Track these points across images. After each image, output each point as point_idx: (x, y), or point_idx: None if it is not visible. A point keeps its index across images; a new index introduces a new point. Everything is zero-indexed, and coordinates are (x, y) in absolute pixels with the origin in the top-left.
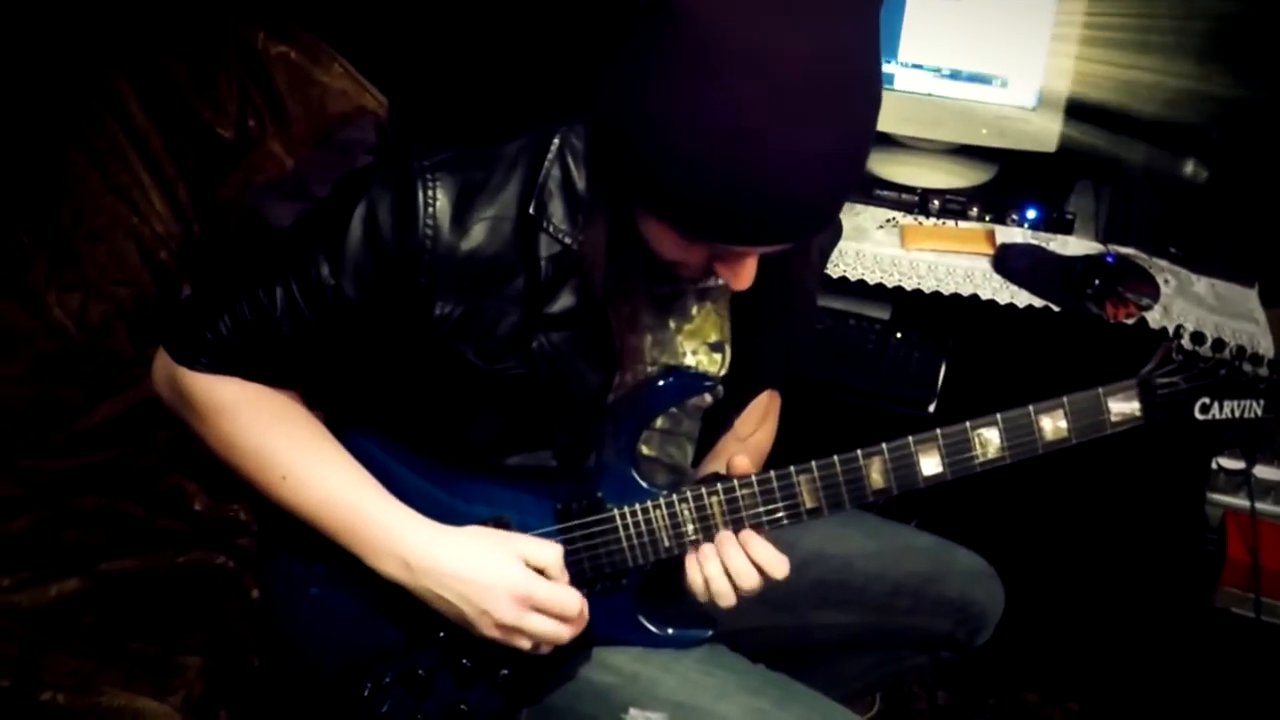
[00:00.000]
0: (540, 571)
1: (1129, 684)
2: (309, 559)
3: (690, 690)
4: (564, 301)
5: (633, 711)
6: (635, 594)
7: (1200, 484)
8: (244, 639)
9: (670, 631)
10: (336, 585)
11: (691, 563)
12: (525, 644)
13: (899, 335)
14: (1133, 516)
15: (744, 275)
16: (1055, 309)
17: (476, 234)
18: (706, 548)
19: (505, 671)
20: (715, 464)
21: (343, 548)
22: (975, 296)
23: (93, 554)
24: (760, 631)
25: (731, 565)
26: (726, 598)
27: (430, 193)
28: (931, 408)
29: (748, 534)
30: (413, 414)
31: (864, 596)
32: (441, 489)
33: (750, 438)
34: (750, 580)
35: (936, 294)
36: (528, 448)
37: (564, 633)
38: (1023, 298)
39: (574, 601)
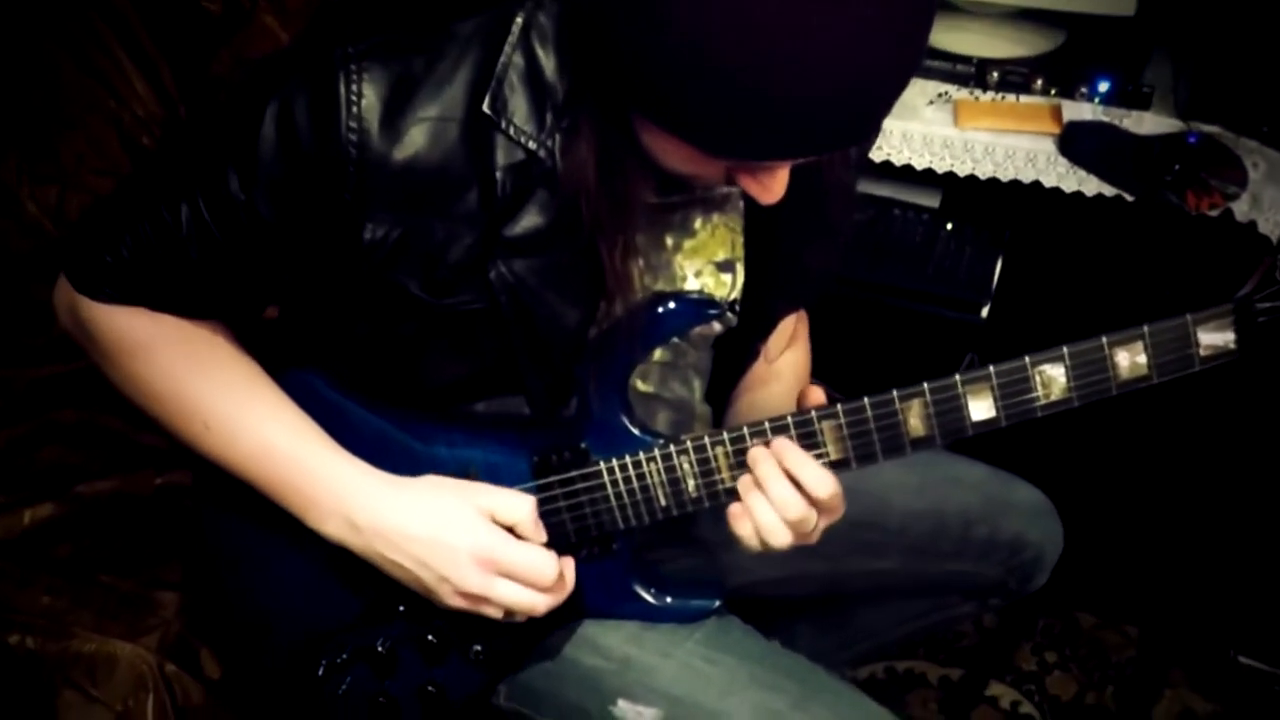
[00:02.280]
0: (511, 529)
1: (1192, 610)
2: (248, 518)
3: (691, 681)
4: (528, 221)
5: (622, 704)
6: (629, 559)
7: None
8: None
9: (670, 601)
10: (281, 549)
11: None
12: (494, 613)
13: (949, 227)
14: (1202, 432)
15: (775, 188)
16: (1128, 198)
17: (414, 138)
18: (744, 480)
19: (479, 648)
20: (754, 397)
21: (281, 506)
22: (1037, 184)
23: (69, 475)
24: (784, 582)
25: (774, 495)
26: (779, 534)
27: (354, 88)
28: (984, 312)
29: (782, 445)
30: (355, 353)
31: (903, 539)
32: (396, 427)
33: (786, 366)
34: (797, 508)
35: (993, 180)
36: (494, 393)
37: (539, 602)
38: (1091, 185)
39: (548, 566)
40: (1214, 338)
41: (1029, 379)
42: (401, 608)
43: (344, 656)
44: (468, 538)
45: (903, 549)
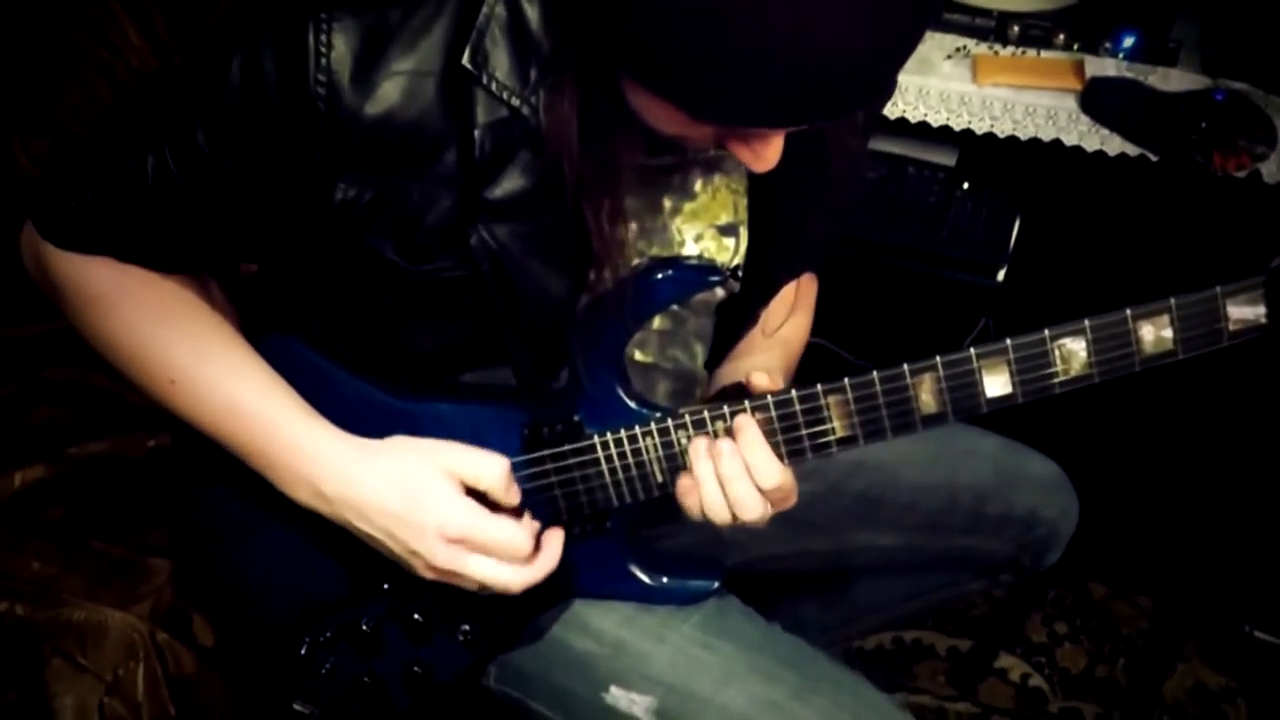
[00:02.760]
0: (483, 495)
1: (1206, 582)
2: (230, 486)
3: (687, 670)
4: (510, 184)
5: (615, 691)
6: (624, 537)
7: None
8: None
9: (667, 581)
10: (264, 519)
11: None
12: (471, 587)
13: (966, 187)
14: (1217, 401)
15: (768, 155)
16: (1151, 158)
17: (388, 93)
18: (697, 445)
19: (467, 627)
20: (741, 365)
21: (255, 471)
22: (1058, 142)
23: (61, 435)
24: (787, 558)
25: (724, 471)
26: (719, 512)
27: (324, 38)
28: (1001, 275)
29: (742, 425)
30: (335, 319)
31: (912, 515)
32: (381, 389)
33: (778, 333)
34: (743, 494)
35: (1012, 139)
36: (480, 363)
37: (513, 578)
38: (1114, 144)
39: (520, 541)
40: (1244, 311)
41: (1048, 354)
42: (386, 585)
43: (328, 634)
44: (434, 513)
45: (912, 524)
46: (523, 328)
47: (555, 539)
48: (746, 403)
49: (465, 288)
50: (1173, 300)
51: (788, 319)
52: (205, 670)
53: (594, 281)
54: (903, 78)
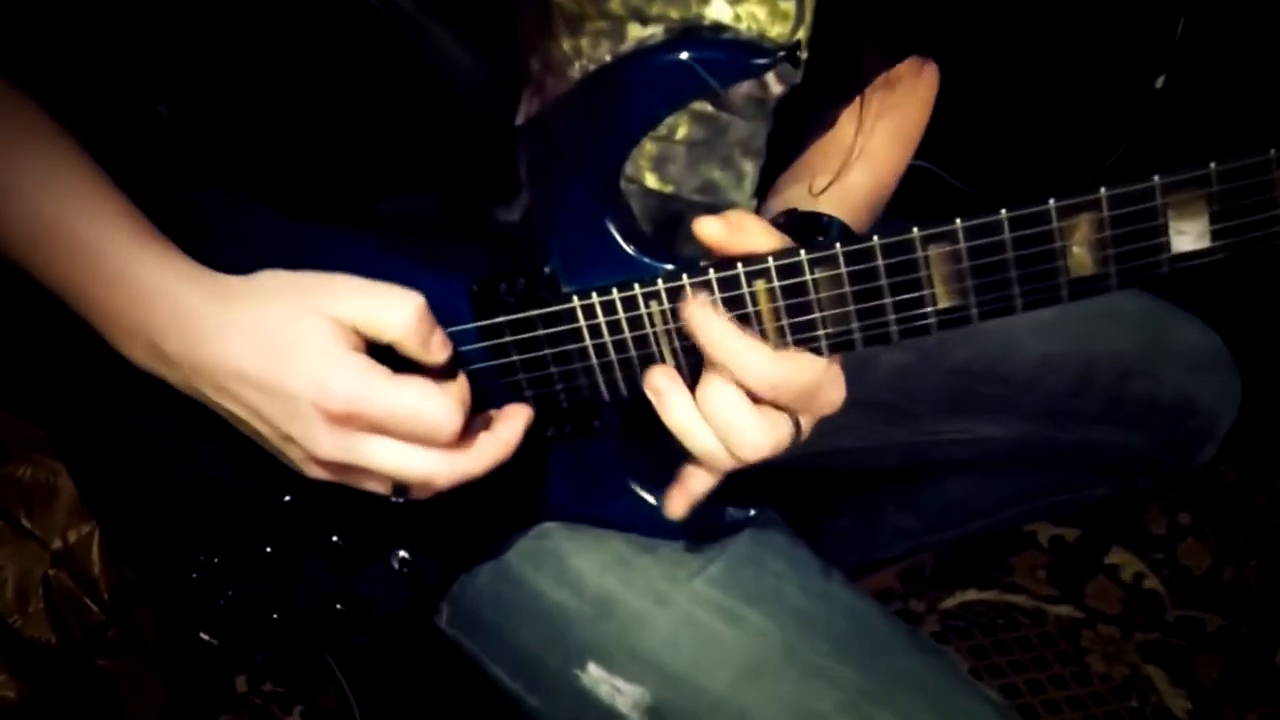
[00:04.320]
0: (386, 349)
1: None
2: (83, 351)
3: (696, 650)
4: None
5: (594, 670)
6: (617, 442)
7: None
8: None
9: None
10: (131, 395)
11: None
12: (377, 487)
13: None
14: None
15: None
16: None
17: None
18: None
19: (405, 554)
20: (799, 193)
21: (81, 317)
22: None
23: None
24: (862, 453)
25: (710, 409)
26: (722, 463)
27: None
28: (1160, 83)
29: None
30: (194, 107)
31: (1031, 394)
32: (283, 239)
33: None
34: (740, 424)
35: None
36: (401, 184)
37: (436, 467)
38: None
39: (438, 409)
40: None
41: (1272, 184)
42: (288, 497)
43: (221, 556)
44: (308, 377)
45: (1029, 409)
46: (433, 119)
47: (515, 417)
48: (802, 252)
49: (364, 32)
50: None
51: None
52: None
53: (547, 59)
54: None
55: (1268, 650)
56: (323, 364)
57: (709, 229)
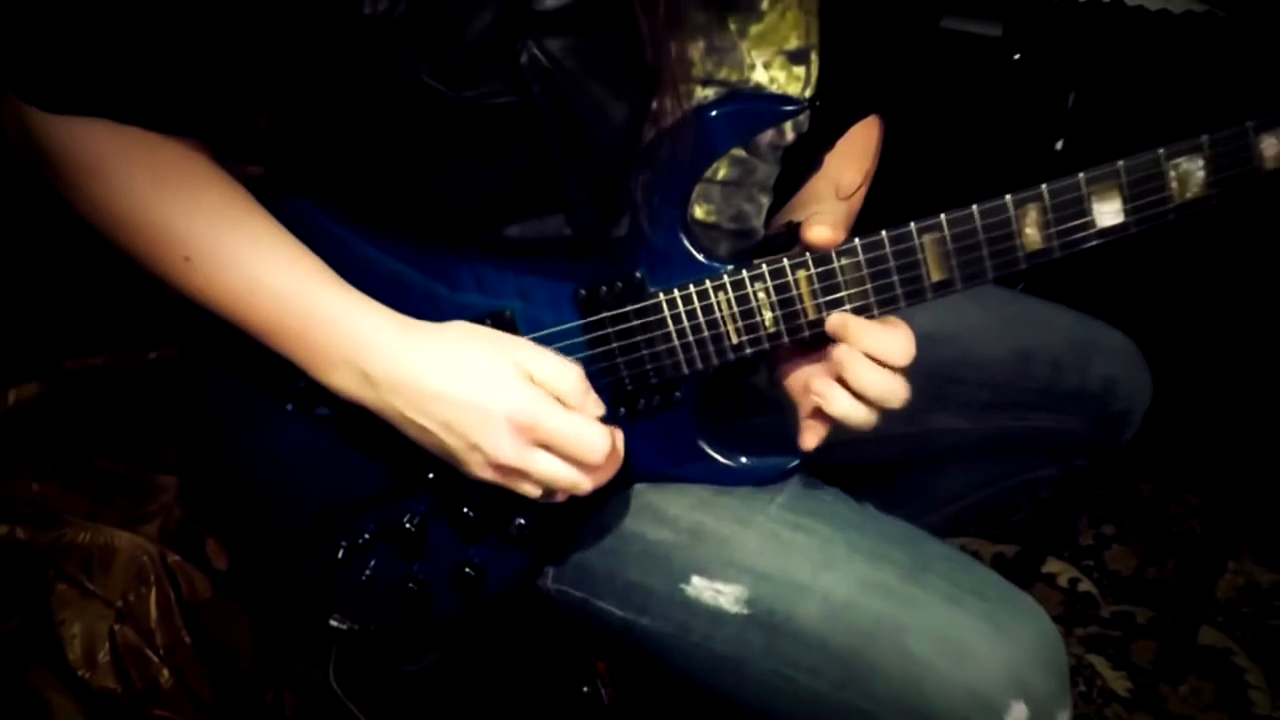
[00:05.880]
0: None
1: (1256, 477)
2: (245, 378)
3: (779, 553)
4: None
5: (697, 581)
6: (693, 411)
7: None
8: None
9: (745, 460)
10: (285, 413)
11: (805, 396)
12: (531, 491)
13: (1017, 57)
14: (1264, 294)
15: None
16: (1220, 14)
17: None
18: (817, 380)
19: (521, 521)
20: (798, 216)
21: (284, 356)
22: (1118, 3)
23: (56, 350)
24: (861, 445)
25: (860, 383)
26: (867, 421)
27: None
28: (1059, 145)
29: (846, 322)
30: (363, 171)
31: (984, 389)
32: (417, 269)
33: (845, 189)
34: (883, 386)
35: (1065, 4)
36: (530, 212)
37: (583, 480)
38: (1179, 1)
39: (598, 439)
40: None
41: (1163, 174)
42: (430, 475)
43: (366, 536)
44: (504, 399)
45: (983, 402)
46: (580, 160)
47: (618, 434)
48: (833, 252)
49: (514, 116)
50: None
51: (852, 167)
52: (220, 596)
53: (657, 109)
54: None
55: (1190, 634)
56: (516, 390)
57: (820, 234)
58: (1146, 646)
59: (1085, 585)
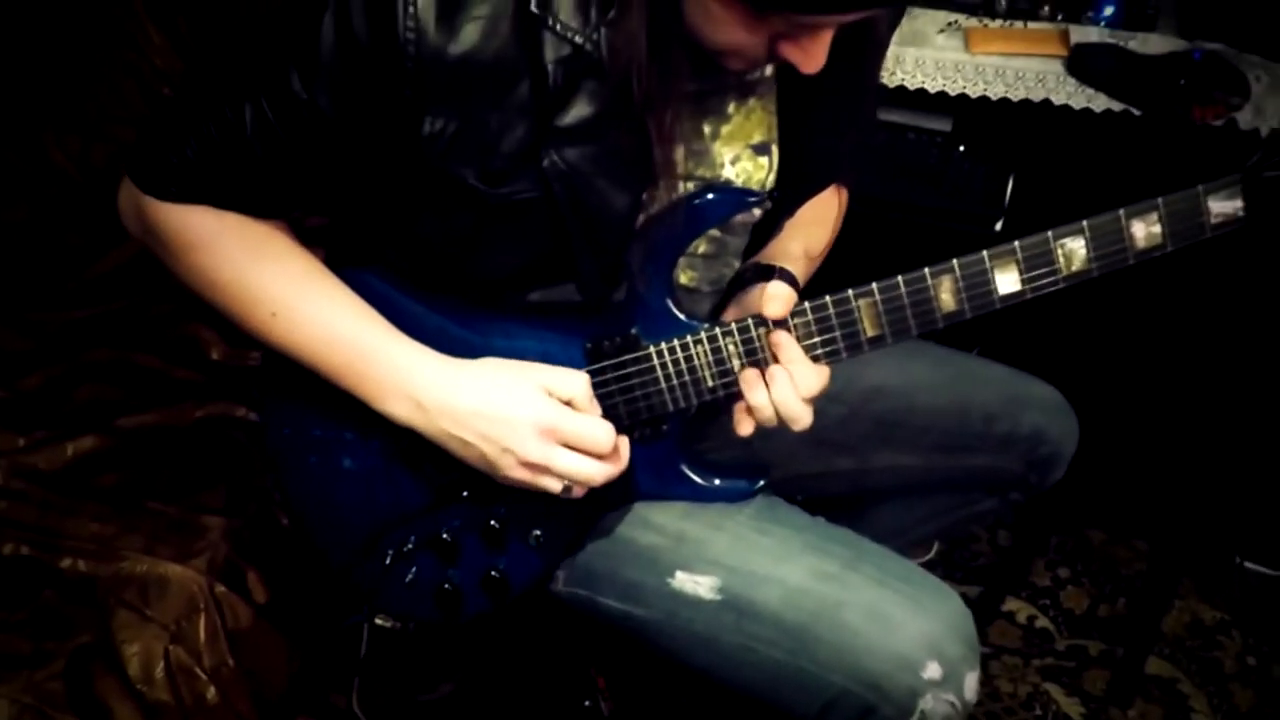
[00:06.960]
0: (568, 405)
1: (1198, 519)
2: (314, 411)
3: (745, 551)
4: (579, 111)
5: (680, 575)
6: (678, 442)
7: None
8: (269, 495)
9: (718, 482)
10: (348, 440)
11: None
12: (554, 485)
13: (962, 149)
14: (1197, 345)
15: (817, 54)
16: (1136, 113)
17: (468, 34)
18: (747, 373)
19: (538, 532)
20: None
21: (348, 392)
22: (1047, 102)
23: (108, 410)
24: (815, 477)
25: (776, 391)
26: (770, 420)
27: None
28: (999, 226)
29: (784, 343)
30: (414, 248)
31: (928, 434)
32: (454, 323)
33: (812, 248)
34: (791, 405)
35: (1004, 101)
36: (548, 281)
37: (596, 472)
38: (1100, 102)
39: (604, 434)
40: (1224, 206)
41: (1051, 251)
42: (465, 493)
43: (410, 545)
44: (529, 409)
45: (928, 445)
46: (590, 241)
47: (623, 442)
48: (788, 313)
49: (537, 208)
50: (1160, 200)
51: (814, 235)
52: (261, 624)
53: (649, 199)
54: (900, 49)
55: (1139, 664)
56: (537, 403)
57: (774, 309)
58: (1099, 675)
59: (1042, 621)
